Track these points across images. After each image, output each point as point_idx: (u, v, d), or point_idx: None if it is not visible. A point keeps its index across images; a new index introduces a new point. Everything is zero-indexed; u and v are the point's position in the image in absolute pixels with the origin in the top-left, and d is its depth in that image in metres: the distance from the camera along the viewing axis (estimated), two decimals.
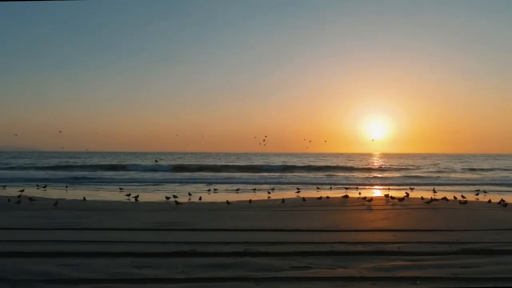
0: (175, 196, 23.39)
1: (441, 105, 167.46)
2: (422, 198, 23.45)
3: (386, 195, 24.38)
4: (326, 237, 11.54)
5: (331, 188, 33.97)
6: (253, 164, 73.59)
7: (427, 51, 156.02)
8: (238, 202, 22.41)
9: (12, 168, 52.65)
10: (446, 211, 18.19)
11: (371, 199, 22.59)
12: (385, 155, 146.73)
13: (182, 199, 23.84)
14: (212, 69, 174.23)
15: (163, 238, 11.40)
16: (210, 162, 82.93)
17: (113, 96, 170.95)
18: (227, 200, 20.76)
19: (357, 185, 35.07)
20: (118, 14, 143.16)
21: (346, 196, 24.25)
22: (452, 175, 49.54)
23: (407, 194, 24.82)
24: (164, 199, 22.78)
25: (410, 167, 67.35)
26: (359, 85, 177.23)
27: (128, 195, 24.04)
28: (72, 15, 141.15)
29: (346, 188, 32.59)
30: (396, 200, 22.56)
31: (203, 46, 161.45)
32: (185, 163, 73.37)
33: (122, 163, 65.90)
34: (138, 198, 22.49)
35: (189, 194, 25.40)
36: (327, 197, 23.38)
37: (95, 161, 79.19)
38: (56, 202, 19.08)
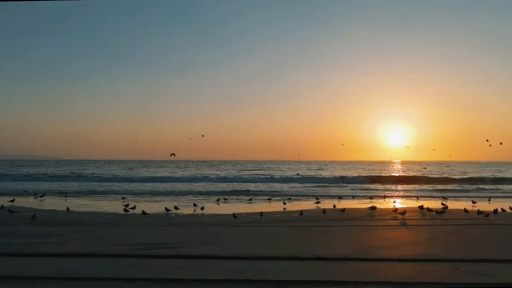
0: (176, 208, 20.08)
1: (467, 111, 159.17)
2: (465, 210, 19.46)
3: (421, 207, 20.45)
4: (358, 272, 7.92)
5: (353, 197, 30.14)
6: (267, 172, 69.96)
7: (452, 55, 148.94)
8: (248, 214, 18.91)
9: (26, 176, 50.47)
10: (506, 228, 14.23)
11: (403, 212, 18.79)
12: (406, 163, 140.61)
13: (186, 210, 20.53)
14: (223, 78, 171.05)
15: (129, 272, 7.99)
16: (222, 170, 79.75)
17: (127, 106, 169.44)
18: (233, 213, 17.30)
19: (383, 196, 31.00)
20: (130, 26, 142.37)
21: (374, 208, 20.49)
22: (486, 185, 44.49)
23: (446, 206, 20.81)
24: (164, 210, 19.50)
25: (437, 175, 62.46)
26: (377, 91, 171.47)
27: (127, 205, 20.77)
28: (88, 28, 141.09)
29: (371, 198, 28.70)
30: (434, 213, 18.69)
31: (214, 55, 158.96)
32: (200, 172, 70.30)
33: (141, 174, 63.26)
34: (135, 210, 19.33)
35: (194, 205, 22.01)
36: (337, 207, 19.68)
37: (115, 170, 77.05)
38: (34, 215, 15.98)
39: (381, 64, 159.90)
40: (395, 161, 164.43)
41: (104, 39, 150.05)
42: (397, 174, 68.39)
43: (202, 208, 20.56)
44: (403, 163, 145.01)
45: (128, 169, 79.93)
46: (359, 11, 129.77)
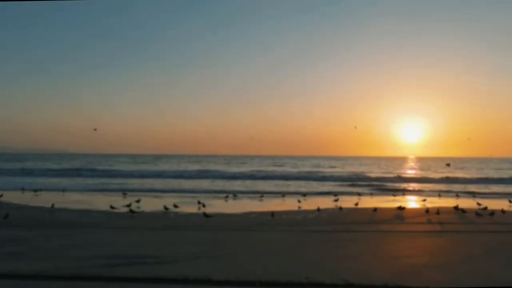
0: (175, 206, 17.49)
1: (485, 107, 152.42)
2: (503, 211, 16.56)
3: (456, 208, 17.48)
4: None
5: (371, 194, 27.20)
6: (282, 168, 67.12)
7: (469, 50, 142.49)
8: (258, 214, 16.23)
9: (29, 171, 48.45)
10: None
11: (437, 212, 16.02)
12: (422, 159, 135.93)
13: (189, 208, 17.95)
14: (237, 72, 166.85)
15: None
16: (235, 166, 77.35)
17: (138, 99, 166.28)
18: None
19: (402, 193, 27.82)
20: (143, 19, 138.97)
21: (402, 208, 17.61)
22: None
23: (486, 207, 17.73)
24: (163, 209, 16.98)
25: (457, 171, 58.75)
26: (391, 87, 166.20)
27: (128, 205, 18.19)
28: (98, 21, 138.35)
29: (394, 195, 25.74)
30: (473, 215, 15.75)
31: (228, 49, 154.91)
32: (211, 168, 67.87)
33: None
34: (131, 207, 16.84)
35: (199, 203, 19.37)
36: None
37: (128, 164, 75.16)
38: (7, 215, 13.52)
39: (398, 60, 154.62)
40: (410, 156, 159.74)
41: (116, 31, 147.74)
42: (415, 170, 64.98)
43: (204, 206, 18.06)
44: (419, 159, 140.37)
45: (138, 163, 77.67)
46: (376, 6, 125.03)
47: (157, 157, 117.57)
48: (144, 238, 10.81)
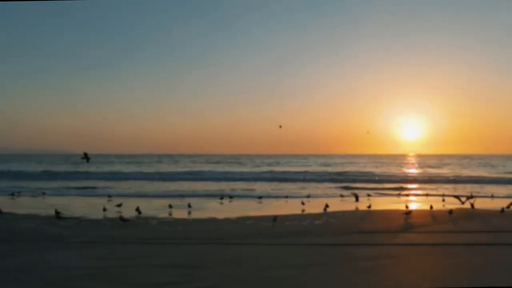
0: (139, 212, 14.70)
1: (484, 104, 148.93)
2: None
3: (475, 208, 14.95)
4: None
5: (402, 195, 24.19)
6: (280, 168, 64.30)
7: (468, 48, 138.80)
8: (256, 219, 13.58)
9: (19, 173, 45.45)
10: None
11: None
12: (421, 156, 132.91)
13: (177, 213, 15.31)
14: (235, 71, 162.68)
15: None
16: (234, 165, 74.66)
17: (139, 99, 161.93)
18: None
19: (412, 192, 25.09)
20: (144, 17, 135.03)
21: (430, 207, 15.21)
22: None
23: None
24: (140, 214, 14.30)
25: (460, 169, 55.97)
26: (390, 84, 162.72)
27: (104, 209, 15.60)
28: (98, 18, 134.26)
29: (407, 195, 23.09)
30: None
31: (227, 48, 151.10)
32: (208, 168, 65.25)
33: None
34: (106, 212, 14.22)
35: (189, 206, 16.73)
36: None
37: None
38: None
39: (398, 58, 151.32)
40: (410, 154, 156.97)
41: (116, 30, 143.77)
42: (420, 169, 62.20)
43: (189, 206, 15.72)
44: (419, 156, 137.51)
45: (134, 164, 74.12)
46: (375, 3, 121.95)
47: (154, 157, 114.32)
48: (106, 258, 8.10)
